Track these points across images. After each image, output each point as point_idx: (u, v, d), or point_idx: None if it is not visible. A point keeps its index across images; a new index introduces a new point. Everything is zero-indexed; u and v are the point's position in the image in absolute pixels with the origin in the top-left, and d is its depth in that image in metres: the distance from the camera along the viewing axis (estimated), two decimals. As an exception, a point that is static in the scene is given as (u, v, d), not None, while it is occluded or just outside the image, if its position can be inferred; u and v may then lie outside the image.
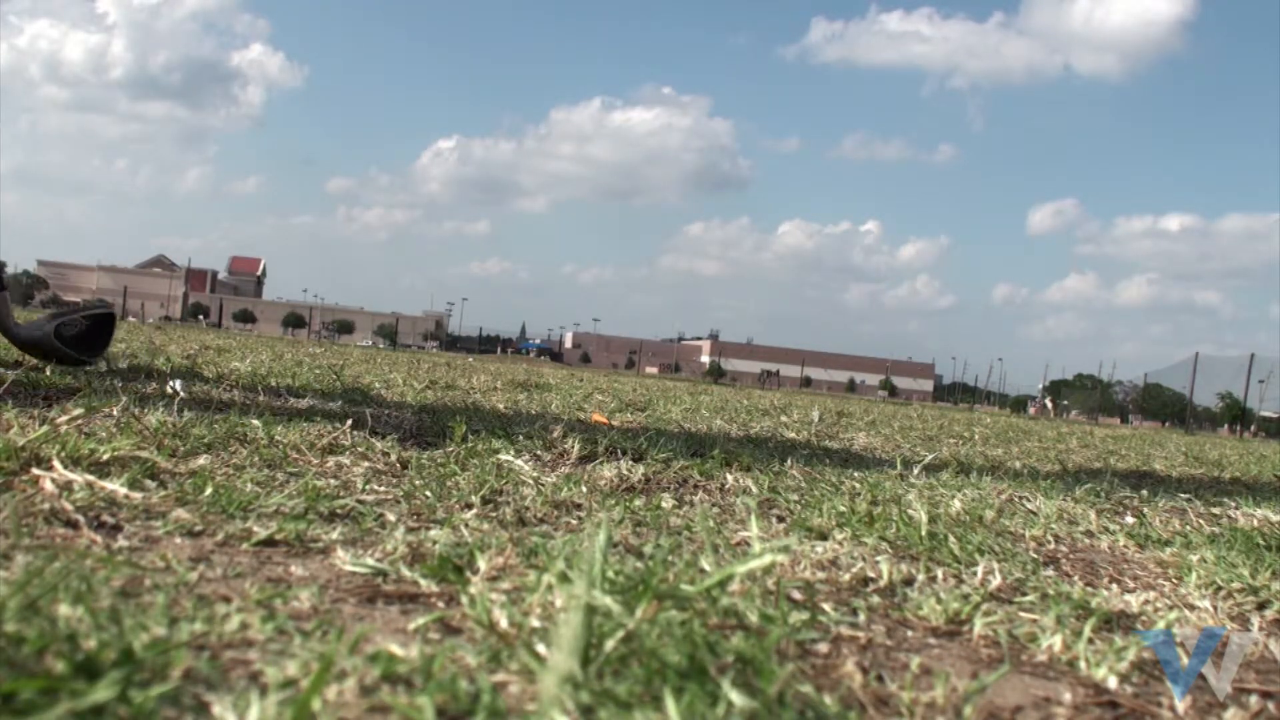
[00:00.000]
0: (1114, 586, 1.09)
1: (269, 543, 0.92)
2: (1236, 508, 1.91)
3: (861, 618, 0.81)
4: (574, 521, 1.21)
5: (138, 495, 1.03)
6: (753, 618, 0.66)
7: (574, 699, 0.43)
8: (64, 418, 1.34)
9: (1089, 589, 1.03)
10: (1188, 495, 2.16)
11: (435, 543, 0.94)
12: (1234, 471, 3.86)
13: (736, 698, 0.45)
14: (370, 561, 0.85)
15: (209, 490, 1.08)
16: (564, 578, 0.68)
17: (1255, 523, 1.65)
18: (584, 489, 1.45)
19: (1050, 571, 1.14)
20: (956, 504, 1.54)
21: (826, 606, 0.81)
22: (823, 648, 0.70)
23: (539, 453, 1.92)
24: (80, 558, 0.73)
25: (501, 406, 3.51)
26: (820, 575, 0.95)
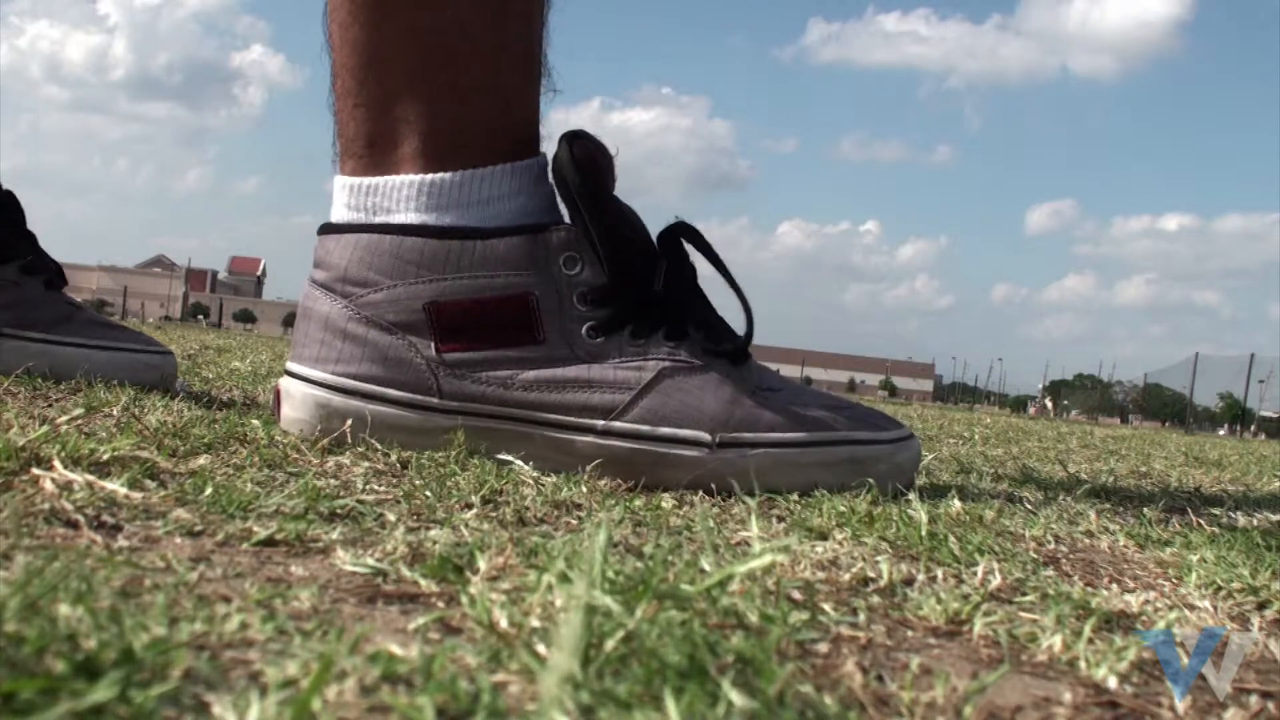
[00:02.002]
0: (1114, 586, 1.10)
1: (269, 543, 0.92)
2: (1237, 508, 1.92)
3: (861, 618, 0.81)
4: (574, 521, 1.21)
5: (138, 495, 1.03)
6: (753, 618, 0.66)
7: (574, 699, 0.43)
8: (64, 418, 1.34)
9: (1089, 589, 1.03)
10: (1188, 495, 2.16)
11: (435, 543, 0.94)
12: (1234, 471, 3.87)
13: (736, 698, 0.45)
14: (370, 561, 0.86)
15: (209, 490, 1.08)
16: (564, 578, 0.68)
17: (1255, 522, 1.66)
18: (584, 489, 1.45)
19: (1050, 571, 1.14)
20: (956, 504, 1.54)
21: (826, 606, 0.81)
22: (823, 648, 0.70)
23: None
24: (80, 558, 0.73)
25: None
26: (820, 575, 0.95)
